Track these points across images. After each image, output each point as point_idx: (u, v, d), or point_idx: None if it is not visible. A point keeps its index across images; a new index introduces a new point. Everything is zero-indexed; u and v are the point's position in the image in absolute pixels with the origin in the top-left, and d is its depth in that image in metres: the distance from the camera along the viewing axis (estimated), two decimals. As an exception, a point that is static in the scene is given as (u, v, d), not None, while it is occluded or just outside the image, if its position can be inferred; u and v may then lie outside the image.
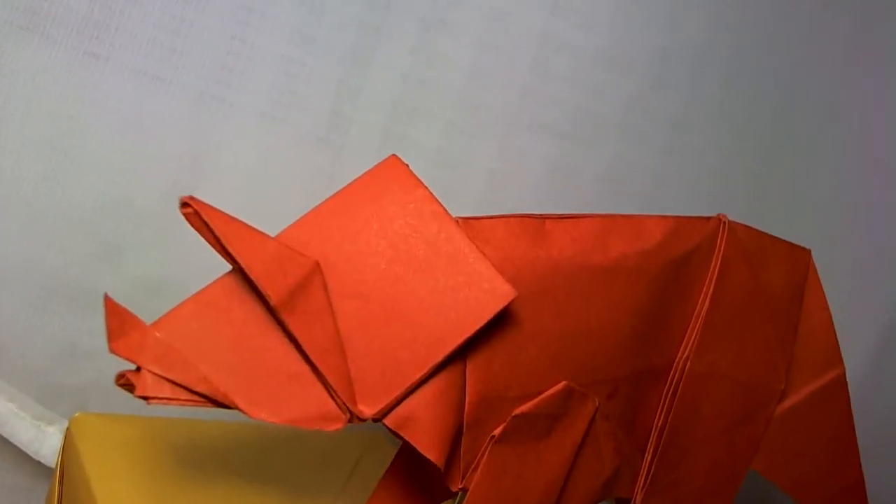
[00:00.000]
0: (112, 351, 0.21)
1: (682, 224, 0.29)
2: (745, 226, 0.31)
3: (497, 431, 0.25)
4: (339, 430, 0.23)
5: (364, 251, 0.23)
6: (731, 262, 0.30)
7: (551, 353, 0.26)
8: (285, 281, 0.22)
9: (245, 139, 0.39)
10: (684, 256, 0.29)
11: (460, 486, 0.25)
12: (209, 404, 0.22)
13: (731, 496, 0.33)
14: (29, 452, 0.36)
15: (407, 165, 0.25)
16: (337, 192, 0.24)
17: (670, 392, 0.30)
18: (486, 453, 0.25)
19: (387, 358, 0.23)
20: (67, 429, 0.29)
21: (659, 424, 0.30)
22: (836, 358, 0.34)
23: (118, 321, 0.22)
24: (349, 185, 0.24)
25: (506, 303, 0.23)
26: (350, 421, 0.23)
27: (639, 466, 0.30)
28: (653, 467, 0.30)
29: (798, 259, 0.33)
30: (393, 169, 0.24)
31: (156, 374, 0.21)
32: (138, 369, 0.22)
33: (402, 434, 0.23)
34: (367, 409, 0.23)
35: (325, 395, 0.23)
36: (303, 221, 0.23)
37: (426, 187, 0.24)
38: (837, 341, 0.34)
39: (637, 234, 0.28)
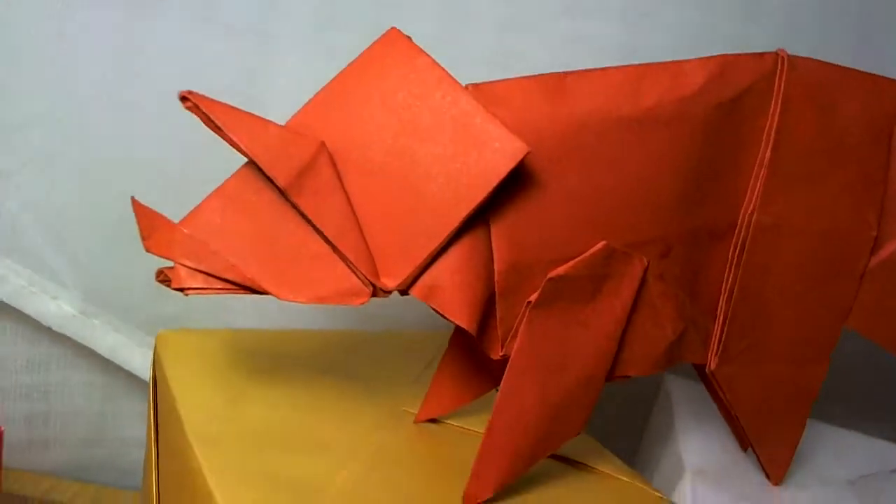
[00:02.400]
0: (147, 249, 0.23)
1: (729, 63, 0.26)
2: (811, 59, 0.28)
3: (533, 297, 0.24)
4: (366, 304, 0.23)
5: (369, 127, 0.23)
6: (795, 102, 0.27)
7: (585, 214, 0.25)
8: (291, 163, 0.22)
9: (293, 70, 0.40)
10: (735, 99, 0.26)
11: (501, 354, 0.25)
12: (241, 291, 0.23)
13: (823, 359, 0.30)
14: (145, 378, 0.40)
15: (408, 37, 0.24)
16: (338, 74, 0.24)
17: (737, 250, 0.28)
18: (525, 319, 0.24)
19: (404, 230, 0.23)
20: (155, 345, 0.31)
21: (728, 286, 0.28)
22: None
23: (148, 222, 0.23)
24: (349, 64, 0.24)
25: (518, 159, 0.22)
26: (375, 294, 0.23)
27: (710, 330, 0.29)
28: (724, 332, 0.28)
29: (882, 92, 0.29)
30: (392, 42, 0.24)
31: (188, 267, 0.23)
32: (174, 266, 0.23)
33: (429, 303, 0.23)
34: (391, 282, 0.23)
35: (347, 271, 0.23)
36: (307, 107, 0.24)
37: (428, 55, 0.23)
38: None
39: (675, 79, 0.25)
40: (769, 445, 0.31)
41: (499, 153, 0.22)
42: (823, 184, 0.28)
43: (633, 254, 0.26)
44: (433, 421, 0.30)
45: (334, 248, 0.23)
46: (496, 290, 0.24)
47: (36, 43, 0.38)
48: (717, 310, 0.28)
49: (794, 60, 0.27)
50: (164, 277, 0.23)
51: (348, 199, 0.23)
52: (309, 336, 0.35)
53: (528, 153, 0.22)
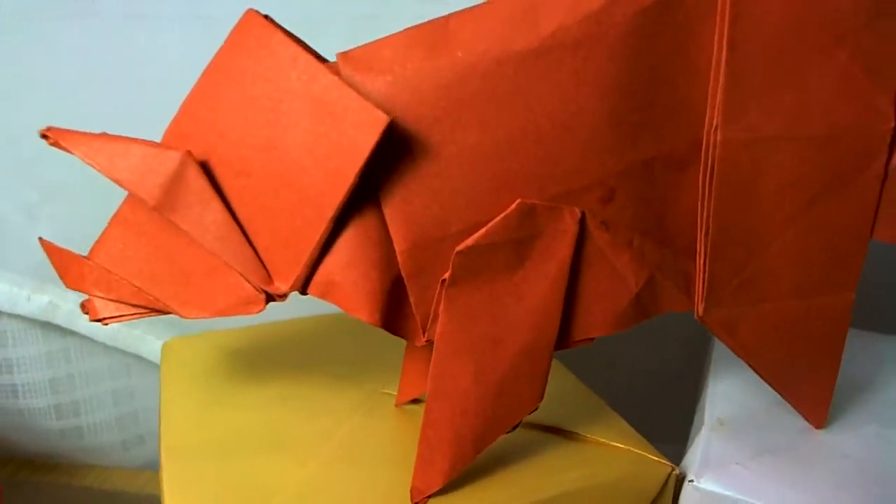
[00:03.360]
0: (67, 286, 0.24)
1: (646, -43, 0.22)
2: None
3: (446, 275, 0.22)
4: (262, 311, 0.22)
5: (237, 123, 0.22)
6: (747, -15, 0.22)
7: (491, 172, 0.22)
8: (156, 181, 0.21)
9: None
10: (661, 0, 0.22)
11: (425, 340, 0.23)
12: (152, 313, 0.23)
13: (844, 288, 0.25)
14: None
15: (265, 17, 0.22)
16: (204, 69, 0.22)
17: (707, 176, 0.24)
18: (443, 300, 0.22)
19: (287, 228, 0.22)
20: (161, 354, 0.33)
21: (703, 219, 0.24)
22: None
23: (59, 260, 0.23)
24: (213, 57, 0.22)
25: (379, 131, 0.20)
26: (272, 300, 0.22)
27: (692, 273, 0.25)
28: (707, 272, 0.24)
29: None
30: (248, 25, 0.22)
31: (101, 298, 0.23)
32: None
33: (328, 300, 0.22)
34: (283, 284, 0.22)
35: (240, 280, 0.22)
36: (179, 113, 0.23)
37: (283, 33, 0.21)
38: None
39: (575, -5, 0.22)
40: (797, 391, 0.27)
41: (359, 128, 0.20)
42: (806, 79, 0.23)
43: (561, 207, 0.22)
44: (416, 401, 0.29)
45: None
46: (403, 273, 0.22)
47: (59, 77, 0.40)
48: (696, 248, 0.25)
49: None
50: (85, 310, 0.24)
51: (227, 205, 0.22)
52: (301, 324, 0.35)
53: (389, 122, 0.20)
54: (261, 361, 0.32)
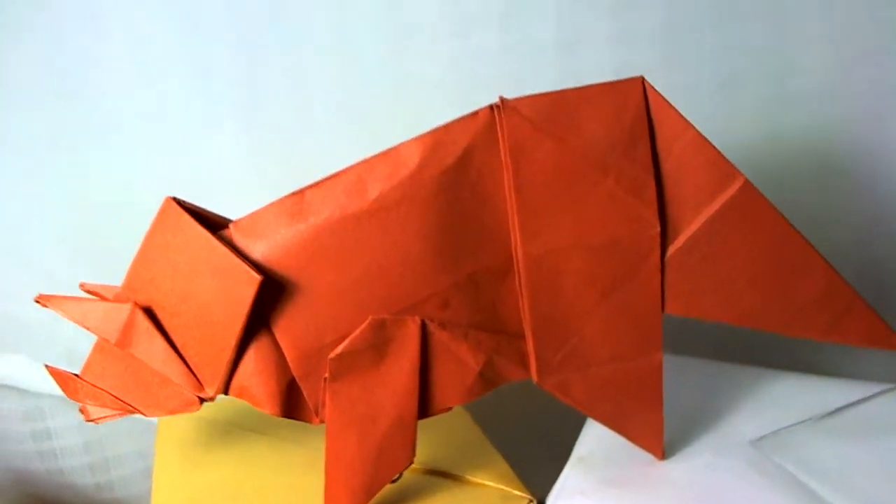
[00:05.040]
0: (70, 398, 0.33)
1: (441, 134, 0.29)
2: (537, 95, 0.30)
3: (326, 374, 0.30)
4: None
5: (166, 281, 0.31)
6: (524, 141, 0.29)
7: (349, 299, 0.30)
8: (115, 326, 0.30)
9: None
10: (458, 162, 0.30)
11: (318, 421, 0.31)
12: (127, 413, 0.32)
13: (651, 351, 0.32)
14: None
15: (179, 202, 0.31)
16: (140, 246, 0.31)
17: (520, 280, 0.31)
18: (327, 391, 0.30)
19: (206, 352, 0.30)
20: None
21: (524, 310, 0.31)
22: (726, 174, 0.30)
23: (62, 380, 0.33)
24: (145, 236, 0.31)
25: (255, 286, 0.29)
26: (206, 400, 0.31)
27: (525, 350, 0.32)
28: (535, 349, 0.32)
29: (625, 94, 0.30)
30: (167, 211, 0.31)
31: (91, 405, 0.32)
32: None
33: (243, 399, 0.31)
34: (210, 391, 0.31)
35: (180, 390, 0.31)
36: (128, 277, 0.31)
37: (189, 217, 0.30)
38: (722, 155, 0.30)
39: (393, 166, 0.29)
40: (631, 432, 0.34)
41: (242, 284, 0.29)
42: (583, 203, 0.30)
43: (405, 318, 0.30)
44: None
45: (168, 375, 0.31)
46: (295, 376, 0.31)
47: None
48: (524, 332, 0.32)
49: (513, 104, 0.29)
50: (82, 412, 0.33)
51: (166, 337, 0.31)
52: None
53: (262, 280, 0.29)
54: (237, 426, 0.41)
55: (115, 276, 0.38)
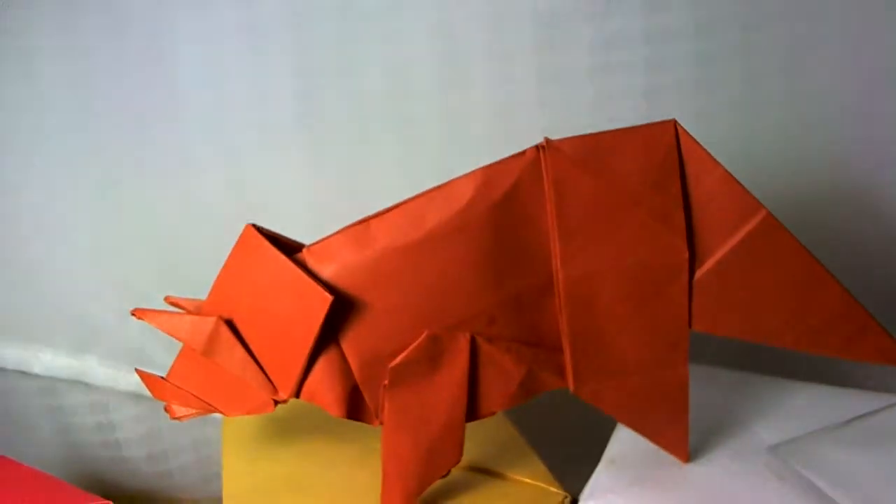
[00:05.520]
0: (157, 399, 0.37)
1: (492, 170, 0.33)
2: (577, 137, 0.33)
3: (386, 381, 0.34)
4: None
5: (246, 298, 0.35)
6: (565, 178, 0.33)
7: (407, 316, 0.34)
8: (201, 337, 0.35)
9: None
10: (506, 195, 0.33)
11: (377, 423, 0.35)
12: (208, 412, 0.37)
13: (677, 364, 0.35)
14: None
15: (258, 229, 0.35)
16: (222, 266, 0.35)
17: (560, 298, 0.35)
18: (385, 397, 0.34)
19: (282, 360, 0.34)
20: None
21: (563, 326, 0.35)
22: (750, 207, 0.34)
23: (151, 382, 0.37)
24: (226, 261, 0.35)
25: (327, 305, 0.32)
26: (279, 402, 0.35)
27: (562, 362, 0.36)
28: (572, 361, 0.35)
29: (657, 136, 0.33)
30: (247, 237, 0.35)
31: (176, 404, 0.37)
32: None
33: (313, 402, 0.35)
34: (284, 394, 0.35)
35: (258, 392, 0.35)
36: (212, 293, 0.35)
37: (267, 242, 0.34)
38: (746, 191, 0.33)
39: (448, 199, 0.33)
40: (659, 436, 0.37)
41: (315, 303, 0.33)
42: (618, 231, 0.34)
43: (457, 332, 0.34)
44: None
45: (247, 379, 0.35)
46: (357, 382, 0.34)
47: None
48: (562, 345, 0.35)
49: (556, 144, 0.33)
50: (167, 411, 0.37)
51: (246, 346, 0.35)
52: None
53: (332, 300, 0.32)
54: (297, 424, 0.45)
55: (182, 284, 0.42)
